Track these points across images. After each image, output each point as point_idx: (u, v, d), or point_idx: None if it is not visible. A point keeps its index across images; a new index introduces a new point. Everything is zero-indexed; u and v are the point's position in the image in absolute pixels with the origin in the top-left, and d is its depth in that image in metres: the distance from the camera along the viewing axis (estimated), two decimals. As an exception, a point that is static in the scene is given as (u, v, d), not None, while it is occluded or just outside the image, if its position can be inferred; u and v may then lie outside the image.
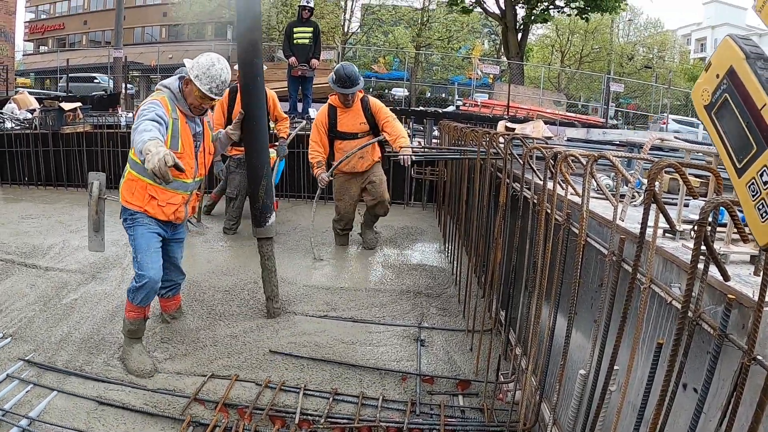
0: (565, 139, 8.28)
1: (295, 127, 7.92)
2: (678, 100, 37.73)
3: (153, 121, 3.40)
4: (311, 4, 10.57)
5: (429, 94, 37.35)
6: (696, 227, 1.40)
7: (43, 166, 10.03)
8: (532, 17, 23.22)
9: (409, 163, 6.28)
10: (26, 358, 3.83)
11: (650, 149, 2.56)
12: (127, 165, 3.88)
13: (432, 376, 3.92)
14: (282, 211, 8.18)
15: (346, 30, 37.87)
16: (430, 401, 3.69)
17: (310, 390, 3.62)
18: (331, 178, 6.20)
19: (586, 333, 2.67)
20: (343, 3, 37.43)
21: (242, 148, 6.47)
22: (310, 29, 10.47)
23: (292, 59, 10.39)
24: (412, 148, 6.03)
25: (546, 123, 11.20)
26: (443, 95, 36.48)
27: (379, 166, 6.50)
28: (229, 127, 4.35)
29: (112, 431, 3.17)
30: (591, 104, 31.93)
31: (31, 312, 4.60)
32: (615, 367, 2.02)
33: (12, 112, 11.63)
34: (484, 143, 4.32)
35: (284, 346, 4.13)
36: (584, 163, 2.28)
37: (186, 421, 3.20)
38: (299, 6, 10.78)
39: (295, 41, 10.45)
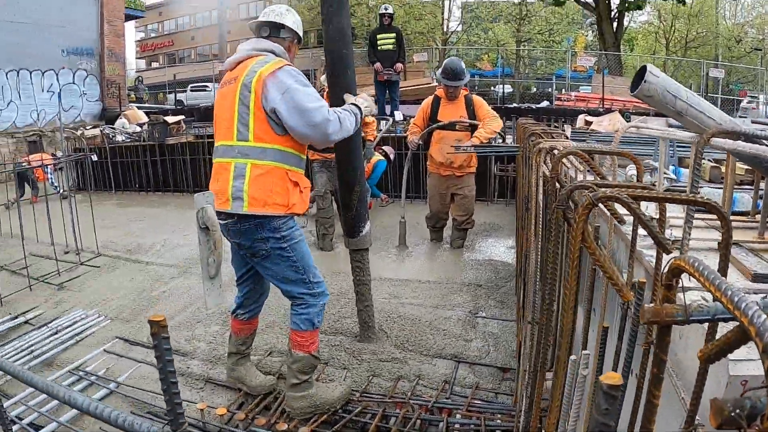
0: (645, 127, 8.18)
1: (381, 129, 8.24)
2: (790, 83, 35.07)
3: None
4: (390, 11, 11.03)
5: (534, 89, 36.66)
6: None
7: (152, 174, 11.07)
8: (626, 4, 22.36)
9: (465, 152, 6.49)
10: (119, 336, 4.47)
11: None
12: (250, 160, 2.97)
13: (473, 362, 4.17)
14: (376, 209, 8.64)
15: (445, 30, 38.06)
16: (467, 383, 3.93)
17: (353, 366, 3.97)
18: (420, 142, 6.49)
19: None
20: (441, 3, 37.64)
21: (327, 154, 6.51)
22: (393, 35, 10.92)
23: (377, 65, 10.84)
24: (475, 146, 6.21)
25: (638, 114, 11.05)
26: (549, 90, 35.84)
27: (472, 177, 6.69)
28: None
29: (185, 396, 3.65)
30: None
31: (128, 300, 5.32)
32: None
33: (123, 127, 12.85)
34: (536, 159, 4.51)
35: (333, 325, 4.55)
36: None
37: (242, 391, 3.64)
38: (379, 13, 11.27)
39: (379, 48, 10.92)
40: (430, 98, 6.62)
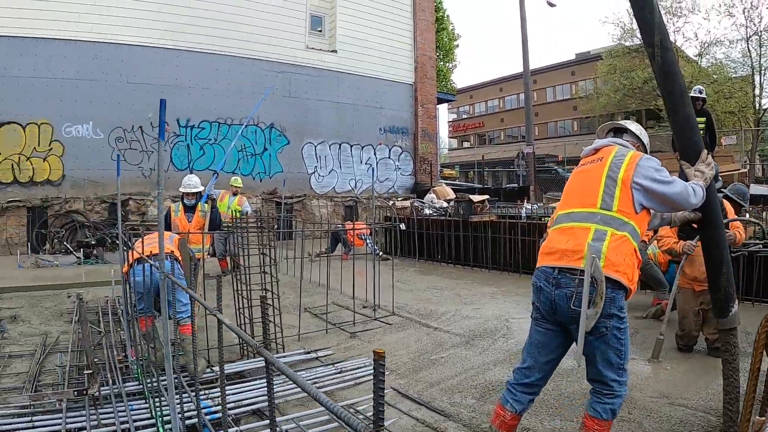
0: None
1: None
2: None
3: None
4: (704, 95, 10.26)
5: None
6: None
7: (453, 247, 11.73)
8: None
9: None
10: (393, 387, 4.84)
11: None
12: (611, 229, 3.15)
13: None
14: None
15: (757, 107, 33.78)
16: None
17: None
18: (696, 245, 5.67)
19: None
20: (751, 77, 33.57)
21: None
22: (703, 119, 10.10)
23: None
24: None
25: None
26: None
27: None
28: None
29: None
30: None
31: (408, 358, 5.73)
32: None
33: (431, 201, 13.94)
34: None
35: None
36: None
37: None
38: (692, 97, 10.53)
39: None
40: None
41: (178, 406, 4.04)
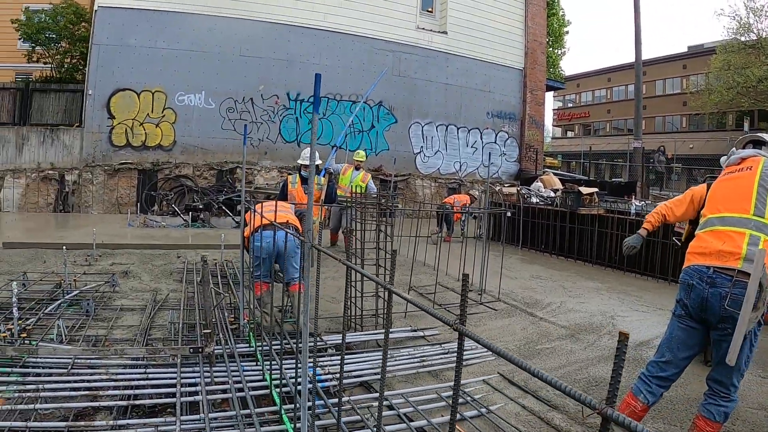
0: None
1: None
2: None
3: None
4: None
5: None
6: None
7: (558, 238, 11.51)
8: None
9: None
10: (500, 372, 4.83)
11: None
12: (763, 235, 3.32)
13: None
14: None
15: None
16: None
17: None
18: None
19: None
20: None
21: None
22: None
23: None
24: None
25: None
26: None
27: None
28: None
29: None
30: None
31: (514, 345, 5.73)
32: None
33: (538, 190, 13.69)
34: None
35: None
36: None
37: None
38: None
39: None
40: None
41: (291, 371, 4.19)
